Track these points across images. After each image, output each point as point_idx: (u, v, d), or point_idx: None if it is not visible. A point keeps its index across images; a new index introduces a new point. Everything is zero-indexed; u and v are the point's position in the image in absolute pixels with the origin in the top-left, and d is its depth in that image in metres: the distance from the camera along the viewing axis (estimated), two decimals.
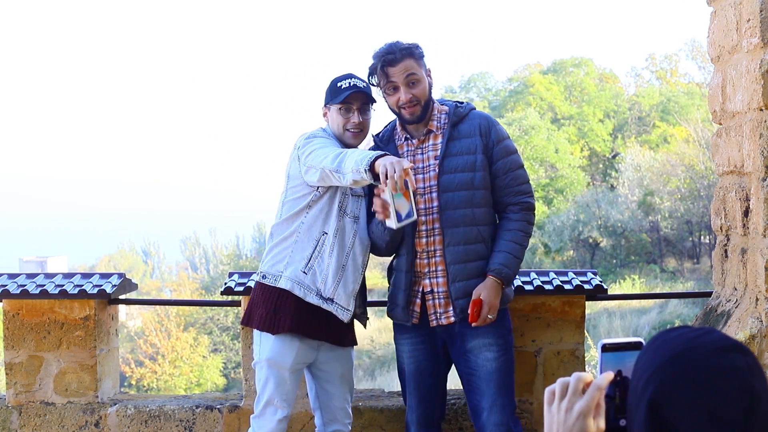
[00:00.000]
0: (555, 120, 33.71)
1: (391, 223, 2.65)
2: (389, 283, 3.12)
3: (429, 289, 2.95)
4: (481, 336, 2.92)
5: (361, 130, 3.03)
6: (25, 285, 3.79)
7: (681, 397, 1.14)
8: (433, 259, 2.93)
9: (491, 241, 2.94)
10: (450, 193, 2.90)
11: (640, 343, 1.33)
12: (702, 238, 26.67)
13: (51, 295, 3.73)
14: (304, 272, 2.93)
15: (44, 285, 3.78)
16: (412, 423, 3.10)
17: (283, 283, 2.94)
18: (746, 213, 3.00)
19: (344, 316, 2.98)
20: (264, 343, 2.99)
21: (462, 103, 3.05)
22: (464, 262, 2.89)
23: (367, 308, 3.29)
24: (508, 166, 2.95)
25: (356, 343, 3.24)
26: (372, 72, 2.93)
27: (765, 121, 2.84)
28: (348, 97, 2.96)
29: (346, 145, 3.00)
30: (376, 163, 2.61)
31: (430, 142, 2.98)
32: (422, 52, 2.95)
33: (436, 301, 2.95)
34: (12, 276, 3.93)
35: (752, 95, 2.89)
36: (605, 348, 1.31)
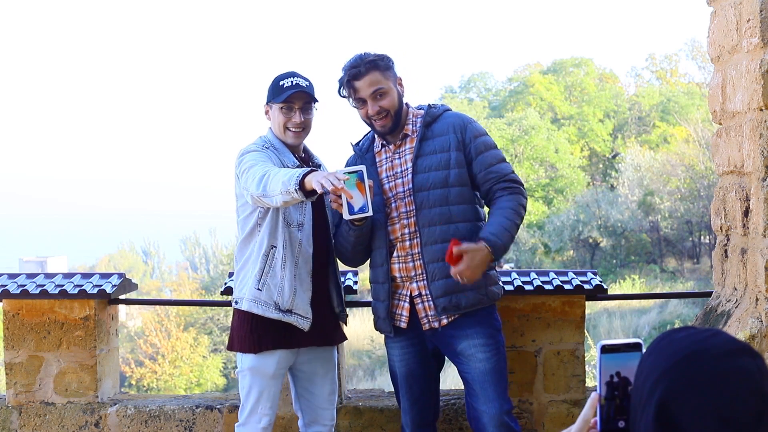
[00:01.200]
0: (555, 120, 33.71)
1: (345, 214, 2.66)
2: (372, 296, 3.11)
3: (417, 293, 2.92)
4: (470, 338, 2.90)
5: (303, 129, 3.02)
6: (25, 285, 3.79)
7: (691, 400, 1.13)
8: (418, 262, 2.90)
9: (472, 238, 2.86)
10: (425, 192, 2.88)
11: (640, 344, 1.32)
12: (702, 238, 26.67)
13: (51, 295, 3.73)
14: (259, 289, 2.92)
15: (44, 285, 3.78)
16: (406, 425, 3.10)
17: (245, 306, 2.95)
18: (746, 213, 3.00)
19: (304, 325, 2.95)
20: (246, 355, 3.00)
21: (437, 104, 3.04)
22: (443, 260, 2.82)
23: (367, 308, 3.29)
24: (489, 160, 2.91)
25: (345, 339, 3.23)
26: (340, 85, 2.94)
27: (765, 121, 2.84)
28: (290, 96, 2.95)
29: (287, 145, 3.01)
30: (307, 180, 2.61)
31: (407, 146, 2.97)
32: (389, 62, 2.93)
33: (425, 303, 2.92)
34: (12, 276, 3.93)
35: (752, 95, 2.89)
36: (604, 349, 1.31)
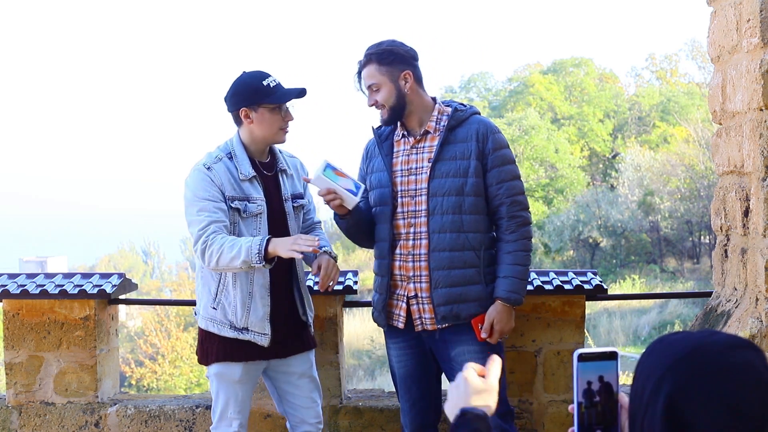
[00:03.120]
0: (555, 120, 33.71)
1: (350, 202, 2.80)
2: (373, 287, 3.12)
3: (413, 294, 2.91)
4: (465, 343, 2.88)
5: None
6: (25, 285, 3.79)
7: (698, 393, 1.14)
8: (418, 263, 2.89)
9: (481, 250, 2.87)
10: (439, 197, 2.85)
11: (615, 353, 1.35)
12: (702, 238, 26.68)
13: (51, 295, 3.73)
14: (214, 308, 2.92)
15: (44, 285, 3.78)
16: (406, 426, 3.08)
17: (202, 323, 2.96)
18: (746, 213, 3.00)
19: (263, 342, 2.93)
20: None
21: (464, 105, 2.99)
22: (449, 268, 2.83)
23: (367, 308, 3.29)
24: (503, 176, 2.88)
25: (314, 346, 3.16)
26: (357, 76, 2.98)
27: (765, 121, 2.84)
28: (286, 95, 2.91)
29: (274, 143, 2.99)
30: (272, 250, 2.74)
31: (426, 143, 2.93)
32: (390, 57, 2.88)
33: (420, 306, 2.91)
34: (12, 276, 3.93)
35: (752, 95, 2.89)
36: (581, 357, 1.32)
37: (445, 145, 2.89)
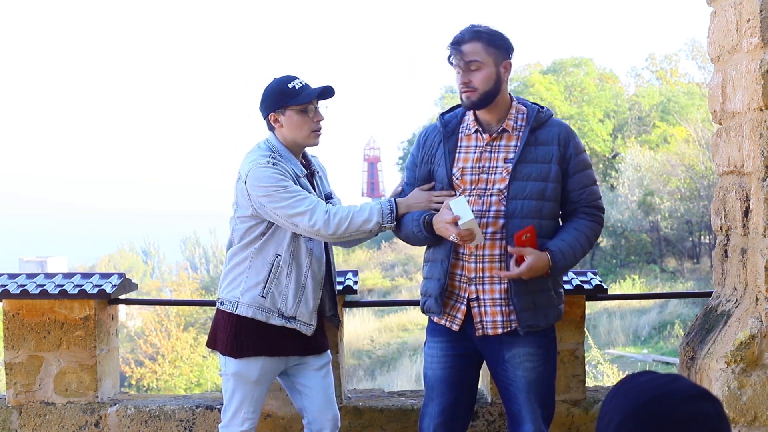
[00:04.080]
0: None
1: (479, 239, 2.70)
2: (423, 274, 2.98)
3: (475, 296, 2.77)
4: (521, 345, 2.78)
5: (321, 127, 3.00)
6: (25, 285, 3.79)
7: None
8: (481, 264, 2.76)
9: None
10: (519, 201, 2.73)
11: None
12: (702, 238, 26.66)
13: (51, 295, 3.72)
14: (263, 296, 2.92)
15: (44, 285, 3.78)
16: (427, 430, 2.91)
17: (241, 310, 2.93)
18: (746, 213, 3.00)
19: (308, 331, 2.97)
20: (229, 359, 2.99)
21: (543, 107, 2.88)
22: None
23: (367, 308, 3.29)
24: (585, 181, 2.83)
25: (327, 348, 3.18)
26: (450, 48, 2.80)
27: (765, 121, 2.84)
28: (313, 94, 2.90)
29: (293, 150, 2.96)
30: (408, 208, 2.83)
31: (503, 142, 2.80)
32: (498, 41, 2.76)
33: (482, 309, 2.77)
34: (12, 276, 3.92)
35: (752, 95, 2.89)
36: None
37: (527, 147, 2.77)
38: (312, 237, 2.89)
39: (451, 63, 2.79)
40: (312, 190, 2.98)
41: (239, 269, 2.97)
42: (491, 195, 2.77)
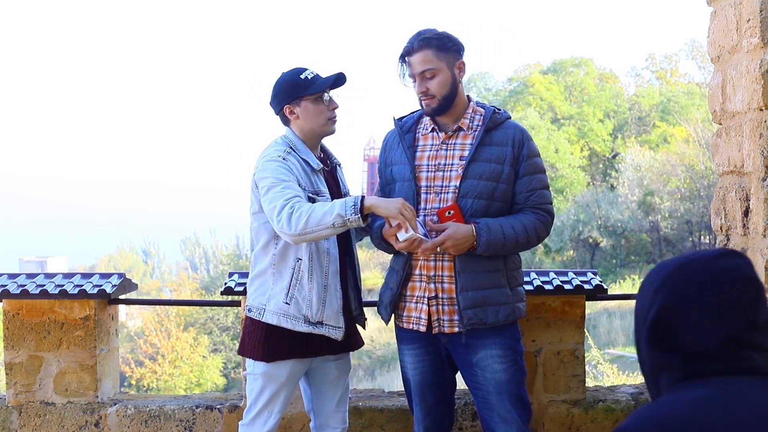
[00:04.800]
0: (555, 120, 33.71)
1: (427, 244, 2.71)
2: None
3: (433, 294, 2.80)
4: (488, 347, 2.78)
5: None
6: (25, 285, 3.79)
7: (687, 299, 1.24)
8: (440, 263, 2.79)
9: (503, 256, 2.79)
10: (469, 199, 2.75)
11: None
12: (702, 238, 26.67)
13: (51, 295, 3.73)
14: (287, 303, 2.85)
15: (44, 285, 3.78)
16: None
17: (268, 318, 2.87)
18: (746, 213, 3.00)
19: (337, 335, 2.90)
20: (257, 361, 2.95)
21: (500, 109, 2.90)
22: (475, 271, 2.75)
23: (367, 308, 3.28)
24: (534, 184, 2.81)
25: (361, 345, 3.16)
26: (400, 61, 2.84)
27: (765, 121, 2.84)
28: (327, 83, 2.87)
29: (309, 142, 2.94)
30: (372, 206, 2.67)
31: (458, 140, 2.84)
32: (447, 43, 2.78)
33: (440, 307, 2.80)
34: (12, 276, 3.92)
35: (752, 95, 2.89)
36: None
37: (481, 146, 2.79)
38: (281, 236, 2.80)
39: (405, 74, 2.83)
40: (325, 185, 2.93)
41: (265, 276, 2.91)
42: (447, 192, 2.80)
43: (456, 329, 2.79)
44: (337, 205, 2.67)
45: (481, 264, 2.76)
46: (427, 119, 2.91)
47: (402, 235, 2.67)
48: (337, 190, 3.01)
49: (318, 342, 2.92)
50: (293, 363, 2.92)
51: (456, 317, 2.78)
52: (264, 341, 2.90)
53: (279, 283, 2.87)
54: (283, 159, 2.84)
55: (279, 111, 2.97)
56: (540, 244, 26.87)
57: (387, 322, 2.97)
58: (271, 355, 2.89)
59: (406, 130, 2.93)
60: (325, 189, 2.92)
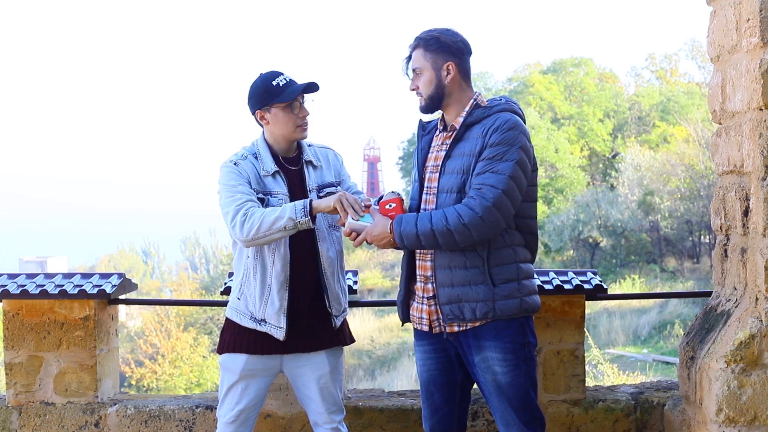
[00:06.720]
0: (555, 120, 33.71)
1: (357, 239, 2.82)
2: None
3: (431, 294, 2.80)
4: (489, 350, 2.73)
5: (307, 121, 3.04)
6: (25, 285, 3.79)
7: None
8: (429, 263, 2.80)
9: (484, 249, 2.70)
10: (445, 194, 2.76)
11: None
12: (702, 238, 26.68)
13: (51, 295, 3.72)
14: (239, 298, 3.00)
15: (44, 285, 3.78)
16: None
17: (227, 312, 3.08)
18: (746, 213, 3.00)
19: (279, 335, 2.94)
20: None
21: (497, 101, 2.82)
22: (449, 267, 2.72)
23: (367, 308, 3.27)
24: (483, 168, 2.66)
25: (346, 342, 3.15)
26: (405, 60, 2.91)
27: (765, 121, 2.84)
28: (296, 91, 2.94)
29: (295, 140, 3.03)
30: (317, 206, 2.82)
31: (451, 140, 2.83)
32: (437, 45, 2.78)
33: (439, 307, 2.79)
34: (12, 276, 3.92)
35: (752, 95, 2.89)
36: None
37: (457, 142, 2.78)
38: (235, 240, 2.93)
39: (405, 73, 2.89)
40: (284, 185, 2.97)
41: (236, 273, 3.07)
42: (432, 193, 2.84)
43: (455, 329, 2.77)
44: (288, 209, 2.80)
45: (454, 261, 2.72)
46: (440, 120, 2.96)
47: (348, 223, 2.79)
48: (300, 187, 3.02)
49: (264, 341, 2.97)
50: (247, 358, 2.98)
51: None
52: (227, 334, 3.05)
53: (236, 279, 3.04)
54: (235, 164, 2.97)
55: (252, 113, 3.04)
56: (540, 244, 26.94)
57: (402, 321, 2.99)
58: (222, 347, 3.05)
59: (426, 132, 2.97)
60: (280, 189, 2.96)
